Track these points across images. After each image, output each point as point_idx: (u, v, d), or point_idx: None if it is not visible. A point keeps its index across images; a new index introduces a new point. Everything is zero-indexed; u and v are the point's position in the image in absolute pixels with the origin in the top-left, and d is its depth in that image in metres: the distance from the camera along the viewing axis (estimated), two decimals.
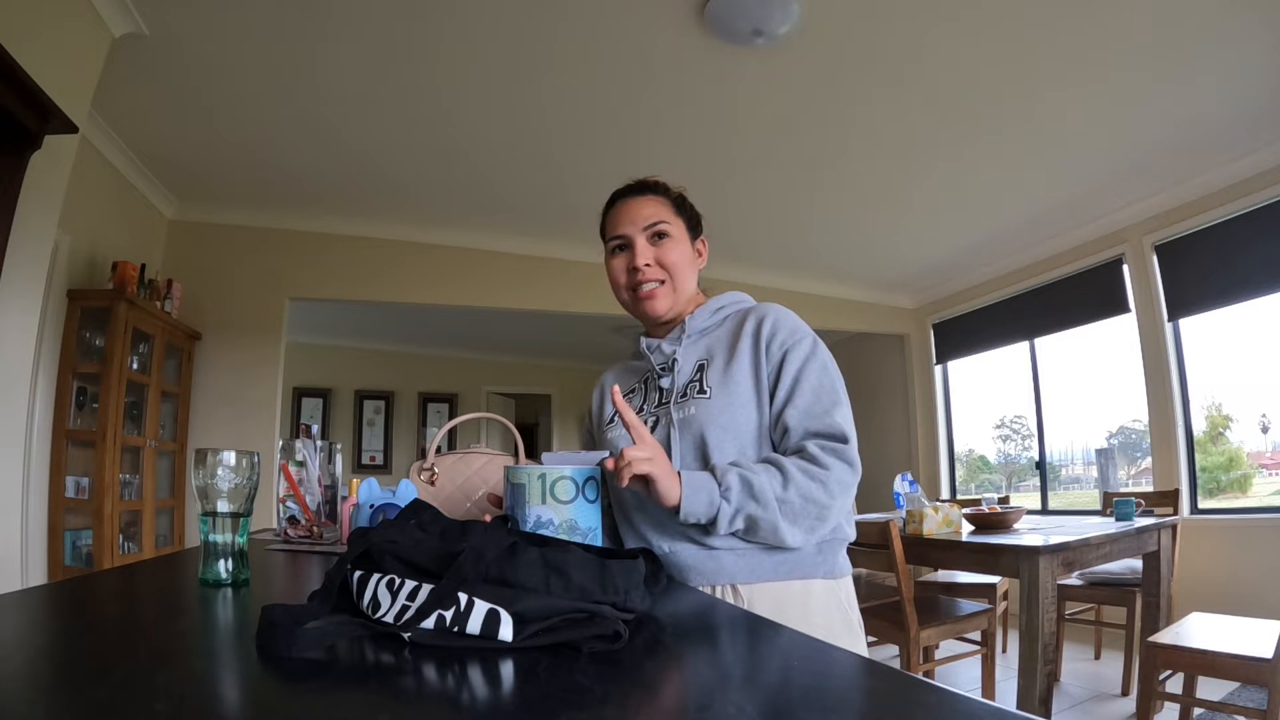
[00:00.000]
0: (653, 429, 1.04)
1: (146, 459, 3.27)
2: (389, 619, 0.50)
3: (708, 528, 0.90)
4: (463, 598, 0.49)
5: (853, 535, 1.03)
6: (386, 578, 0.52)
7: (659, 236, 1.07)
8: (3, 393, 2.04)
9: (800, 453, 0.94)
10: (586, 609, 0.51)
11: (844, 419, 0.96)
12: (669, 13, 2.31)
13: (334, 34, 2.41)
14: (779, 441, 0.98)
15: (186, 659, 0.49)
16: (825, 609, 0.95)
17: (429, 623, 0.49)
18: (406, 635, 0.49)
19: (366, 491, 0.99)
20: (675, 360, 1.07)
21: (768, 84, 2.73)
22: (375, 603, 0.51)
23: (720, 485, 0.89)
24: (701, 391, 1.01)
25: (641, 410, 1.08)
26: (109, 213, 3.22)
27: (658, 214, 1.07)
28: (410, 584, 0.51)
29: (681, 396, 1.03)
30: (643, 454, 0.84)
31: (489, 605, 0.48)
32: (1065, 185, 3.64)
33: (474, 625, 0.48)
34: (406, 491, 0.99)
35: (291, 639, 0.45)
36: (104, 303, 2.95)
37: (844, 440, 0.94)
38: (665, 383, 1.07)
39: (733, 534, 0.92)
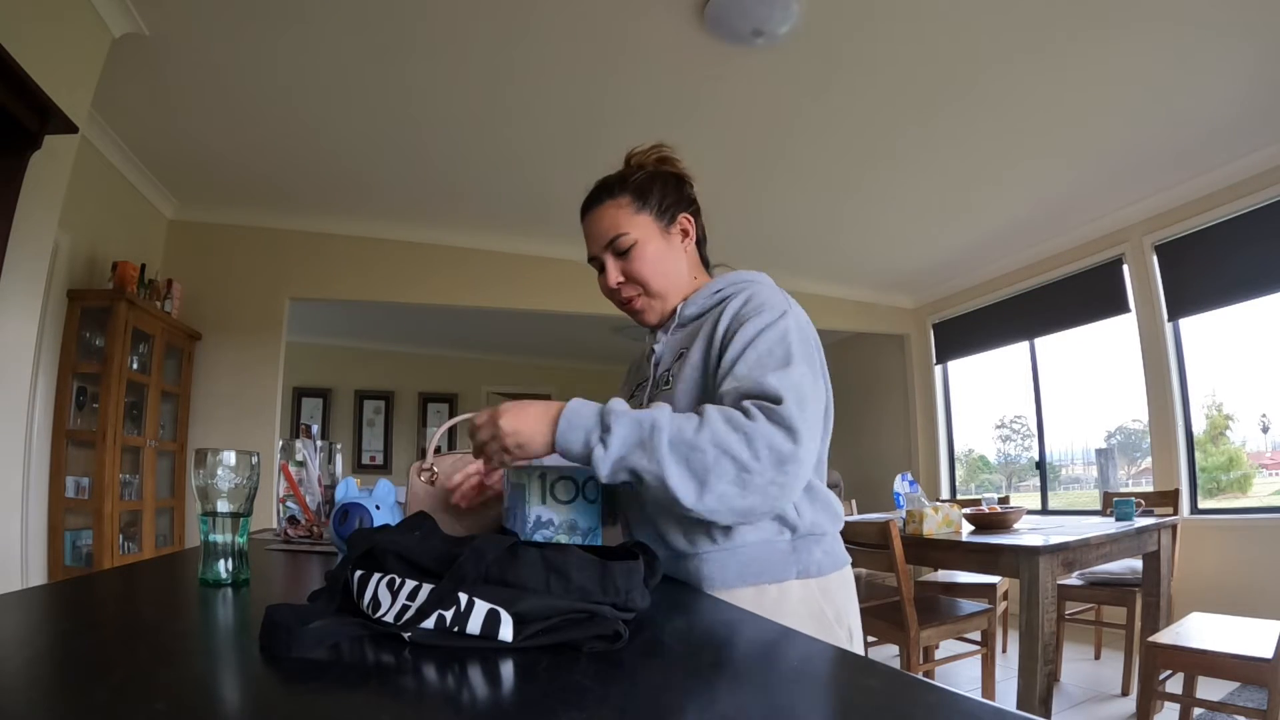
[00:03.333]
0: None
1: (146, 459, 3.27)
2: (389, 619, 0.50)
3: (637, 488, 0.78)
4: (463, 598, 0.49)
5: (833, 529, 0.95)
6: (387, 577, 0.52)
7: (621, 252, 1.00)
8: (3, 393, 2.04)
9: (731, 403, 0.82)
10: (586, 609, 0.51)
11: (782, 382, 0.79)
12: (669, 13, 2.31)
13: (332, 34, 2.41)
14: None
15: (187, 659, 0.49)
16: (801, 615, 0.86)
17: (429, 623, 0.49)
18: (407, 635, 0.49)
19: (342, 490, 0.99)
20: (653, 352, 1.04)
21: (768, 84, 2.73)
22: (376, 602, 0.51)
23: (601, 425, 0.76)
24: (667, 384, 0.97)
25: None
26: (109, 213, 3.22)
27: (615, 225, 1.00)
28: (410, 584, 0.51)
29: (653, 391, 1.00)
30: (479, 419, 0.80)
31: (489, 605, 0.49)
32: (1065, 185, 3.64)
33: (474, 625, 0.48)
34: (383, 491, 0.98)
35: (293, 639, 0.45)
36: (104, 303, 2.95)
37: (776, 400, 0.77)
38: (651, 373, 1.04)
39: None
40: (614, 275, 1.01)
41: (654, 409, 0.78)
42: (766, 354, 0.84)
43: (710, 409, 0.77)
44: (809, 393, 0.80)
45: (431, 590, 0.49)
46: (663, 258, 1.02)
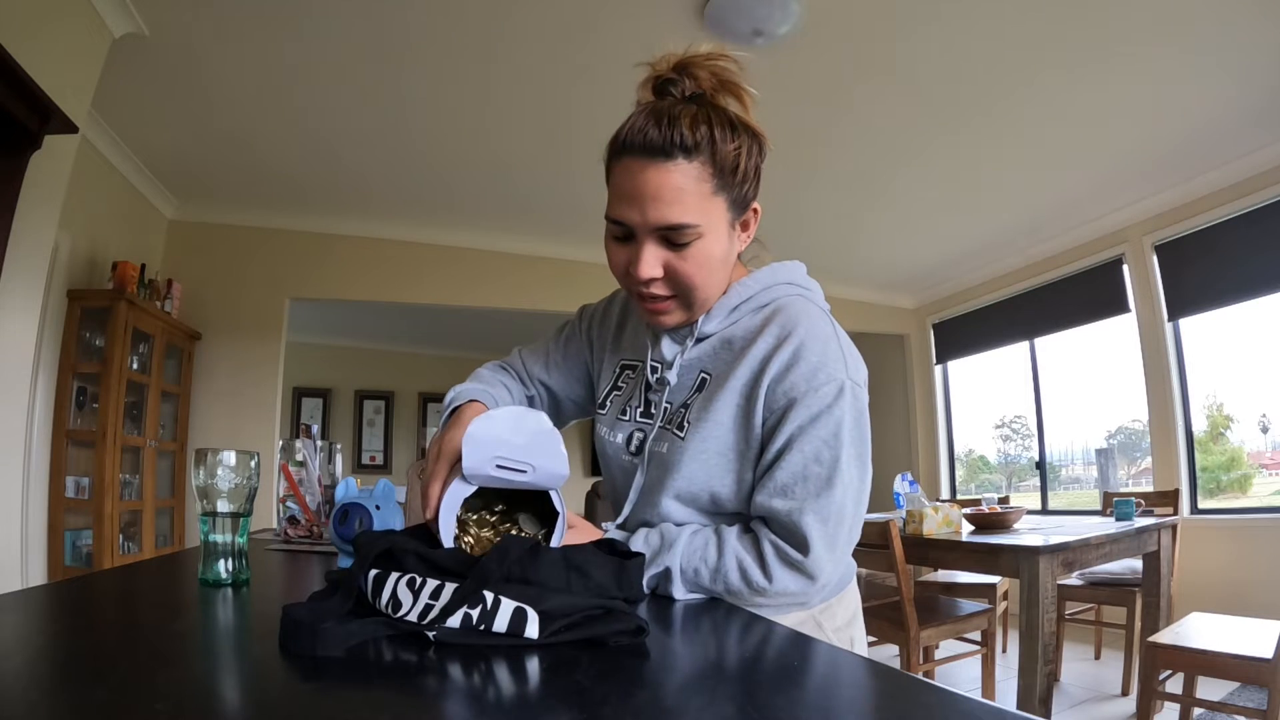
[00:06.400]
0: (627, 442, 0.85)
1: (146, 459, 3.27)
2: (412, 618, 0.50)
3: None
4: (489, 596, 0.49)
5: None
6: (406, 577, 0.52)
7: (677, 244, 0.73)
8: (3, 393, 2.04)
9: (756, 537, 0.74)
10: (605, 605, 0.51)
11: (820, 515, 0.71)
12: (669, 13, 2.31)
13: (332, 35, 2.41)
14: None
15: (187, 659, 0.49)
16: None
17: (455, 620, 0.49)
18: (432, 634, 0.49)
19: (342, 490, 0.99)
20: (666, 380, 0.82)
21: (767, 84, 2.72)
22: (396, 602, 0.51)
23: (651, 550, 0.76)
24: (681, 430, 0.78)
25: (625, 412, 0.86)
26: (109, 213, 3.22)
27: (682, 205, 0.70)
28: (432, 583, 0.51)
29: (665, 423, 0.82)
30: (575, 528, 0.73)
31: (516, 604, 0.49)
32: (1065, 185, 3.64)
33: (501, 623, 0.48)
34: (383, 491, 0.98)
35: (316, 637, 0.45)
36: (104, 303, 2.95)
37: (804, 549, 0.71)
38: (654, 395, 0.84)
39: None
40: (650, 268, 0.73)
41: (667, 552, 0.73)
42: (813, 460, 0.72)
43: (728, 555, 0.72)
44: (849, 509, 0.73)
45: (456, 589, 0.50)
46: (723, 261, 0.76)
